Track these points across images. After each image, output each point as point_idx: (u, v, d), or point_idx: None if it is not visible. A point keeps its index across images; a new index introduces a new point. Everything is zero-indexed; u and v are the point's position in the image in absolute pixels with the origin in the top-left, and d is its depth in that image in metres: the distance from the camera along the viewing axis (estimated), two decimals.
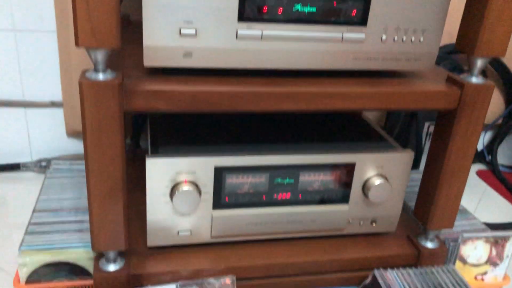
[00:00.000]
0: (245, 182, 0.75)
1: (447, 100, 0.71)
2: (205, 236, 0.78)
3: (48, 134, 1.22)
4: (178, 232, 0.76)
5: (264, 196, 0.77)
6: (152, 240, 0.76)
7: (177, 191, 0.71)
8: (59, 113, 1.20)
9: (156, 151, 0.73)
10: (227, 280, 0.75)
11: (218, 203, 0.76)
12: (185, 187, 0.71)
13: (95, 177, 0.64)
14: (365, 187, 0.79)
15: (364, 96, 0.68)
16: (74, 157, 1.21)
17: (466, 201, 1.17)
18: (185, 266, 0.75)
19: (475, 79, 0.71)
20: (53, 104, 1.19)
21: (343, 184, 0.79)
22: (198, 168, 0.72)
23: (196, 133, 0.82)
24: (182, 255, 0.78)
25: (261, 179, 0.76)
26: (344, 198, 0.80)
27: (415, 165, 1.25)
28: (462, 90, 0.71)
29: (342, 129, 0.87)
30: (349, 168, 0.78)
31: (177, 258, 0.77)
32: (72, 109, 1.20)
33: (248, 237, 0.80)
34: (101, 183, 0.64)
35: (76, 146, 1.26)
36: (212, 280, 0.75)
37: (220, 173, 0.73)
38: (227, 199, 0.76)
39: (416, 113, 1.21)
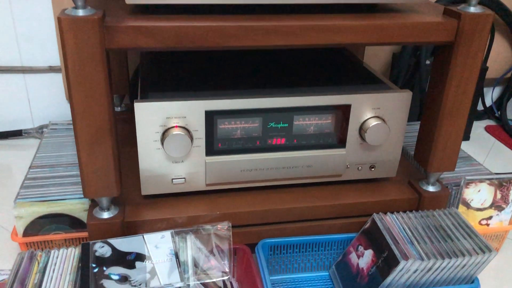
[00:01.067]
0: (237, 127, 0.74)
1: (444, 31, 0.68)
2: (200, 183, 0.77)
3: (48, 99, 1.22)
4: (172, 180, 0.75)
5: (258, 141, 0.75)
6: (146, 188, 0.75)
7: (168, 136, 0.70)
8: (57, 78, 1.20)
9: (146, 97, 0.72)
10: (223, 226, 0.74)
11: (211, 149, 0.74)
12: (176, 131, 0.70)
13: (81, 120, 0.63)
14: (362, 130, 0.77)
15: (357, 30, 0.66)
16: None
17: (474, 155, 1.14)
18: (180, 214, 0.75)
19: (473, 9, 0.68)
20: (51, 69, 1.18)
21: (339, 127, 0.77)
22: (188, 112, 0.71)
23: (187, 79, 0.80)
24: (177, 203, 0.77)
25: (254, 124, 0.74)
26: (341, 142, 0.78)
27: (420, 117, 1.22)
28: (460, 20, 0.68)
29: (338, 72, 0.85)
30: (345, 110, 0.76)
31: (172, 206, 0.76)
32: None
33: (244, 184, 0.78)
34: (87, 125, 0.63)
35: None
36: (207, 226, 0.74)
37: (211, 118, 0.72)
38: (220, 145, 0.74)
39: (420, 65, 1.18)
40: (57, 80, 1.20)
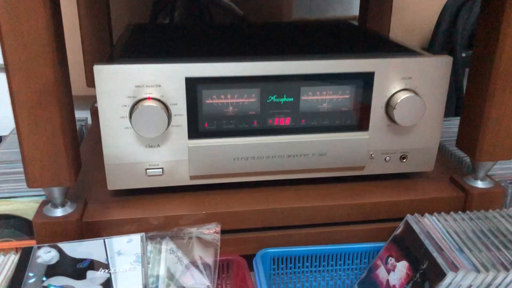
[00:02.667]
0: (229, 102, 0.58)
1: None
2: (181, 176, 0.60)
3: None
4: (146, 171, 0.59)
5: (255, 121, 0.59)
6: (113, 181, 0.59)
7: (137, 109, 0.54)
8: None
9: (111, 60, 0.57)
10: (210, 228, 0.57)
11: (195, 131, 0.58)
12: (148, 103, 0.54)
13: (17, 78, 0.48)
14: (389, 106, 0.60)
15: None
16: None
17: None
18: (155, 213, 0.58)
19: None
20: None
21: (360, 103, 0.60)
22: (164, 79, 0.55)
23: (170, 45, 0.65)
24: (153, 200, 0.60)
25: (250, 98, 0.58)
26: (362, 123, 0.61)
27: (457, 113, 1.04)
28: None
29: (358, 40, 0.69)
30: (367, 80, 0.59)
31: (146, 204, 0.60)
32: None
33: (238, 177, 0.62)
34: (26, 85, 0.48)
35: None
36: (190, 229, 0.57)
37: (194, 87, 0.56)
38: (206, 125, 0.58)
39: (456, 58, 1.01)
40: None
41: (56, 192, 0.55)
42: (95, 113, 0.90)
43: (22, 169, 0.68)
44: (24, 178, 0.62)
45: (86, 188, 0.63)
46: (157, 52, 0.62)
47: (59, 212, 0.56)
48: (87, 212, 0.58)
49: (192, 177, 0.60)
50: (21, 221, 0.62)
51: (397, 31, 1.14)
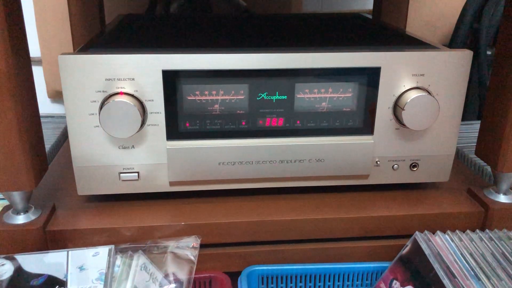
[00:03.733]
0: (213, 99, 0.51)
1: None
2: (160, 182, 0.54)
3: None
4: (119, 175, 0.53)
5: (243, 121, 0.52)
6: (83, 186, 0.53)
7: (107, 105, 0.48)
8: (37, 71, 1.02)
9: (84, 50, 0.51)
10: (187, 242, 0.50)
11: (174, 131, 0.52)
12: (119, 98, 0.48)
13: None
14: (397, 107, 0.52)
15: None
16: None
17: None
18: (128, 223, 0.52)
19: None
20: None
21: (364, 102, 0.53)
22: (138, 72, 0.49)
23: (155, 35, 0.58)
24: (126, 208, 0.54)
25: (237, 95, 0.51)
26: (366, 126, 0.53)
27: (480, 116, 0.95)
28: None
29: (364, 32, 0.61)
30: (373, 76, 0.51)
31: (120, 213, 0.53)
32: (51, 65, 1.01)
33: (223, 184, 0.55)
34: None
35: (61, 111, 1.07)
36: (166, 242, 0.50)
37: (172, 82, 0.50)
38: (188, 125, 0.52)
39: (480, 56, 0.92)
40: (37, 74, 1.02)
41: (17, 196, 0.49)
42: None
43: None
44: None
45: (56, 193, 0.57)
46: (135, 42, 0.56)
47: (20, 219, 0.50)
48: (54, 220, 0.52)
49: (171, 183, 0.54)
50: None
51: (414, 27, 1.06)
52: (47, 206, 0.53)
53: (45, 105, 1.07)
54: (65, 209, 0.54)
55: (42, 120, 0.80)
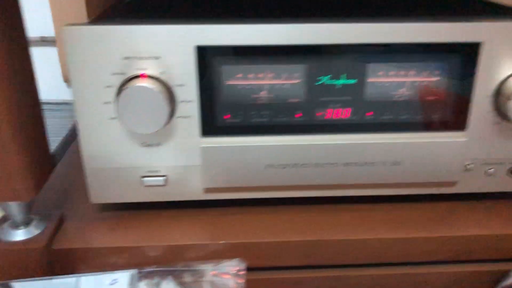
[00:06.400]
0: (260, 85, 0.40)
1: None
2: (191, 188, 0.43)
3: (39, 78, 0.95)
4: (142, 180, 0.42)
5: (298, 112, 0.41)
6: (97, 193, 0.42)
7: (126, 91, 0.37)
8: (51, 52, 0.92)
9: (97, 21, 0.40)
10: (230, 266, 0.39)
11: (210, 125, 0.40)
12: (140, 83, 0.37)
13: None
14: (500, 95, 0.40)
15: None
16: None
17: None
18: (153, 241, 0.41)
19: None
20: (43, 41, 0.91)
21: (456, 88, 0.40)
22: (165, 48, 0.38)
23: (187, 2, 0.47)
24: (150, 221, 0.43)
25: (291, 78, 0.40)
26: (457, 120, 0.41)
27: None
28: None
29: (457, 5, 0.49)
30: (469, 55, 0.39)
31: (142, 227, 0.43)
32: None
33: (271, 192, 0.43)
34: None
35: None
36: (201, 266, 0.40)
37: (209, 62, 0.38)
38: (227, 117, 0.40)
39: None
40: (51, 55, 0.93)
41: (14, 207, 0.39)
42: None
43: None
44: None
45: (65, 199, 0.47)
46: (162, 10, 0.45)
47: (19, 235, 0.40)
48: (61, 235, 0.41)
49: (206, 190, 0.43)
50: None
51: None
52: (53, 216, 0.42)
53: (60, 91, 0.97)
54: (76, 221, 0.43)
55: (54, 108, 0.71)
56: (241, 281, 0.38)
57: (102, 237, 0.41)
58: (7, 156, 0.35)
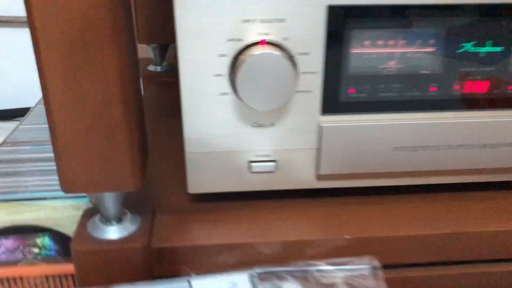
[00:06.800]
0: (389, 53, 0.34)
1: None
2: (303, 175, 0.37)
3: None
4: (250, 165, 0.36)
5: (433, 86, 0.35)
6: (196, 181, 0.37)
7: (246, 61, 0.31)
8: None
9: None
10: (361, 266, 0.34)
11: (333, 101, 0.35)
12: (262, 50, 0.31)
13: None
14: None
15: None
16: None
17: None
18: (266, 236, 0.35)
19: None
20: None
21: None
22: (290, 8, 0.32)
23: None
24: (259, 213, 0.38)
25: (425, 46, 0.34)
26: None
27: None
28: None
29: None
30: None
31: (250, 221, 0.37)
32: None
33: (400, 179, 0.38)
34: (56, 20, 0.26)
35: None
36: (326, 266, 0.34)
37: (340, 25, 0.33)
38: (353, 91, 0.35)
39: None
40: None
41: (109, 200, 0.33)
42: (149, 79, 0.68)
43: (46, 154, 0.47)
44: (52, 168, 0.39)
45: (154, 190, 0.41)
46: None
47: (113, 232, 0.34)
48: (157, 232, 0.36)
49: (320, 177, 0.37)
50: (53, 236, 0.41)
51: None
52: (146, 210, 0.36)
53: None
54: (169, 214, 0.37)
55: None
56: (381, 282, 0.33)
57: (205, 233, 0.36)
58: (117, 140, 0.29)
